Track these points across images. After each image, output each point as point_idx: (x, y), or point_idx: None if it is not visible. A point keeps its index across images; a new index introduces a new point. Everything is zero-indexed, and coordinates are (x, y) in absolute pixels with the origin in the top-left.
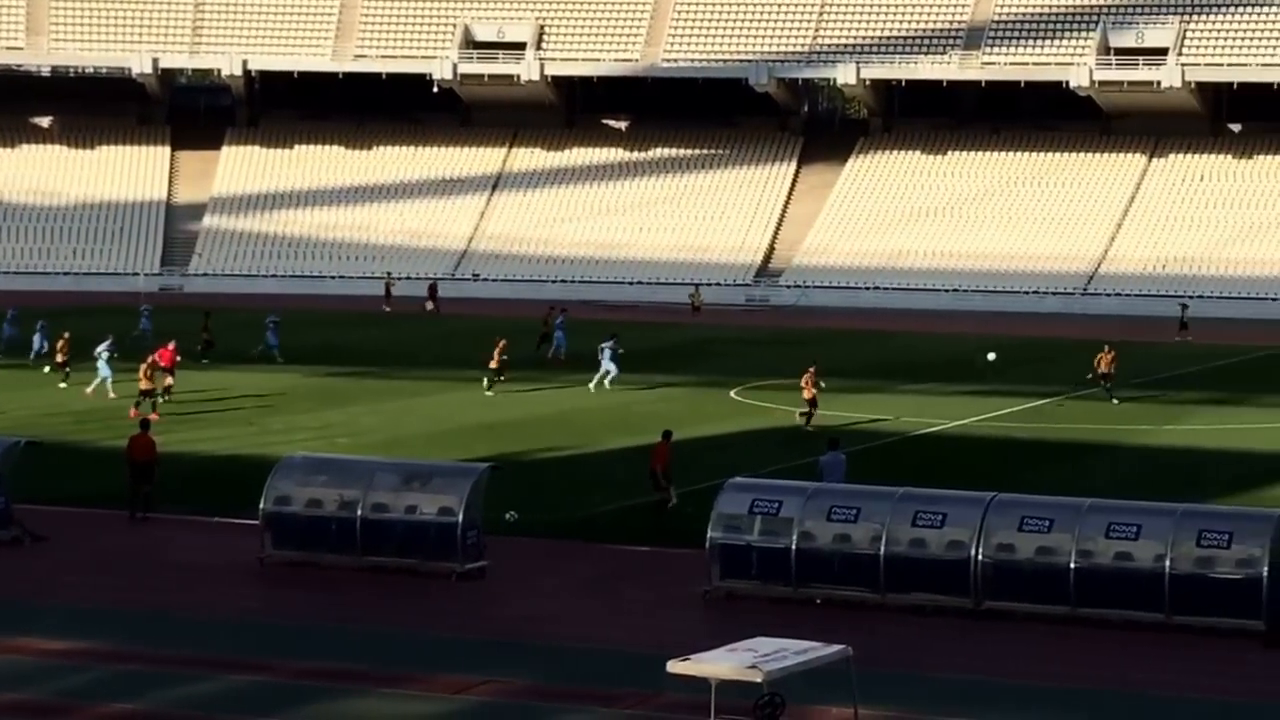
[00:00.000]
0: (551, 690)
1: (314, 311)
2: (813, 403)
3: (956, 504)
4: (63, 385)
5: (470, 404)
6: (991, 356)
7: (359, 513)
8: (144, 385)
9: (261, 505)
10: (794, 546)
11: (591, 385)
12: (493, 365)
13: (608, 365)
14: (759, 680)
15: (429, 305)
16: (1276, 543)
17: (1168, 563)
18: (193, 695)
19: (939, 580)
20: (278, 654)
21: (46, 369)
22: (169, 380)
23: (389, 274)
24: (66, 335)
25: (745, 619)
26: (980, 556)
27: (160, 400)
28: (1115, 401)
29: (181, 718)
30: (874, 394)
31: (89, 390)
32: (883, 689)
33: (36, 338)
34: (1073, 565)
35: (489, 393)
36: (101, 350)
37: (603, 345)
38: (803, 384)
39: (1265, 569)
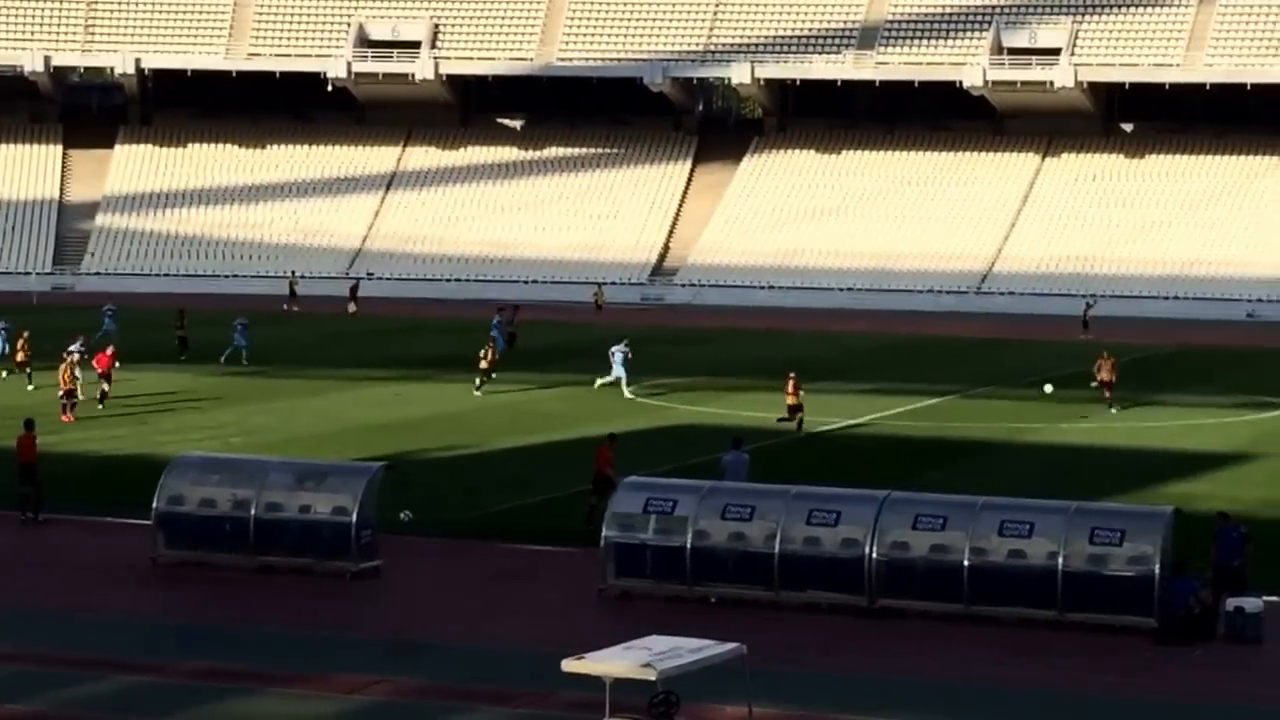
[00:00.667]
0: (446, 689)
1: (208, 311)
2: (794, 409)
3: (851, 502)
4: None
5: (365, 403)
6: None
7: (252, 512)
8: (65, 386)
9: (154, 505)
10: (689, 545)
11: (626, 392)
12: (483, 365)
13: (619, 370)
14: (653, 678)
15: (351, 308)
16: (1168, 540)
17: (1060, 560)
18: (85, 696)
19: (833, 578)
20: (170, 654)
21: (4, 373)
22: (105, 386)
23: (293, 273)
24: (25, 335)
25: (640, 617)
26: (874, 554)
27: (99, 406)
28: (1113, 410)
29: (73, 718)
30: (769, 393)
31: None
32: (777, 687)
33: None
34: (966, 563)
35: (477, 393)
36: (73, 350)
37: (614, 349)
38: (788, 390)
39: (1157, 566)
